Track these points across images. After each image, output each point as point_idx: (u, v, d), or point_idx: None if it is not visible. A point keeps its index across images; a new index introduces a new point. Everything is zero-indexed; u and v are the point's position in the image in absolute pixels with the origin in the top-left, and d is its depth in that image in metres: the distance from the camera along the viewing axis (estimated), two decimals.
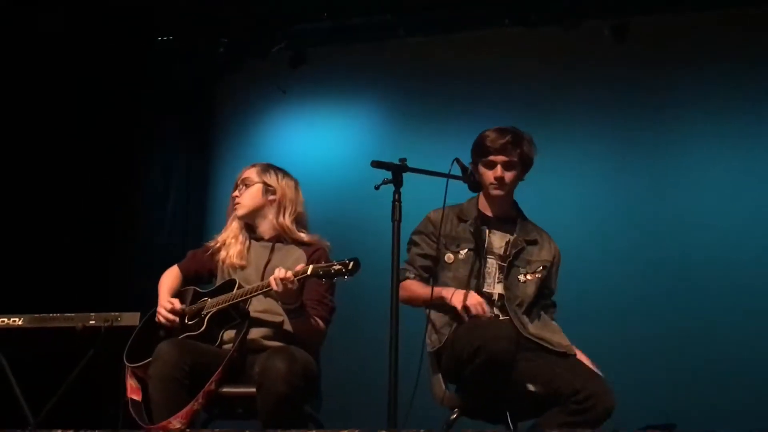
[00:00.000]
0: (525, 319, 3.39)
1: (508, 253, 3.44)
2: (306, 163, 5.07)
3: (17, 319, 4.25)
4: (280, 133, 6.50)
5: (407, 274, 3.43)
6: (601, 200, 5.74)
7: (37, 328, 4.23)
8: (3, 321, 4.24)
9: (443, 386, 3.34)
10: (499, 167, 3.43)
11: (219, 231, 3.70)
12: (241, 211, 3.60)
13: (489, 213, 3.53)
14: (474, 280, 3.39)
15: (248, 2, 5.86)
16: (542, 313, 3.48)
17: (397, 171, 3.05)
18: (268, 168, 3.66)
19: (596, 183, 5.80)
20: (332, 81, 6.36)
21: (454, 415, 3.29)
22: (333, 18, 5.89)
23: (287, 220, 3.56)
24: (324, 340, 3.44)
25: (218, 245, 3.59)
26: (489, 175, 3.43)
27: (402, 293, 3.20)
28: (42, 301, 4.45)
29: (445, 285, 3.41)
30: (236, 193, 3.62)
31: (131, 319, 4.15)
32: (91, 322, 4.20)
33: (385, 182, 3.06)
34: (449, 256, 3.45)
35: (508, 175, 3.44)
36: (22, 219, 5.29)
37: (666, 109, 5.73)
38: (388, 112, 6.31)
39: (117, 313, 4.20)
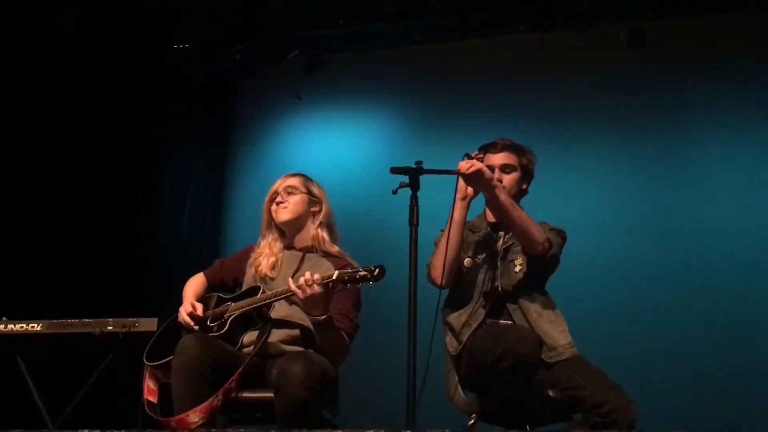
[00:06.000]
0: (526, 305, 3.40)
1: (500, 250, 3.48)
2: (321, 169, 5.06)
3: (36, 325, 4.28)
4: (296, 139, 6.51)
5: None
6: (616, 204, 5.72)
7: (55, 334, 4.26)
8: (22, 327, 4.28)
9: (460, 390, 3.36)
10: (496, 170, 3.48)
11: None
12: (285, 216, 3.58)
13: (494, 221, 3.57)
14: (490, 283, 3.43)
15: (263, 9, 5.88)
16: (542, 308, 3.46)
17: (414, 174, 3.05)
18: (309, 179, 3.69)
19: (611, 187, 5.78)
20: (347, 87, 6.38)
21: (472, 421, 3.30)
22: (348, 24, 5.91)
23: (324, 232, 3.60)
24: (347, 357, 3.41)
25: (258, 258, 3.59)
26: None
27: (432, 267, 3.39)
28: (59, 307, 4.48)
29: (463, 289, 3.45)
30: (279, 199, 3.59)
31: (149, 324, 4.18)
32: (109, 327, 4.22)
33: (402, 186, 3.07)
34: (468, 261, 3.48)
35: (507, 178, 3.49)
36: (41, 227, 5.33)
37: (681, 114, 5.72)
38: (404, 118, 6.32)
39: (134, 319, 4.23)
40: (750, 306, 5.26)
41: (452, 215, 3.38)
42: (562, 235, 3.52)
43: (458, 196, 3.38)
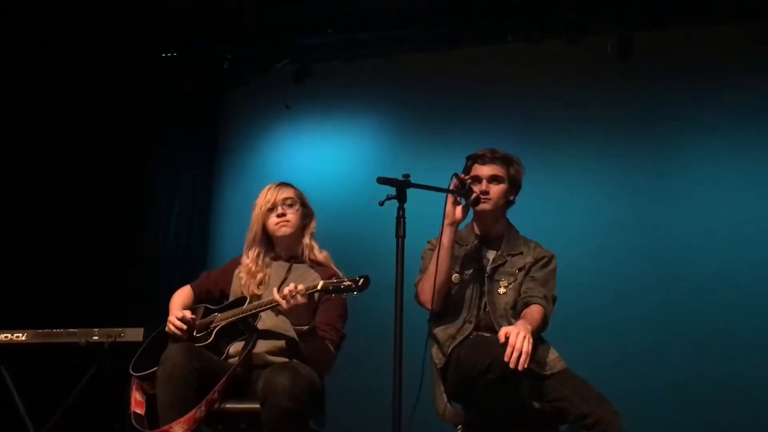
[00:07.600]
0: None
1: (488, 268, 3.47)
2: (309, 178, 5.06)
3: (21, 335, 4.25)
4: (284, 148, 6.50)
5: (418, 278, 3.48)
6: (606, 214, 5.72)
7: (40, 344, 4.24)
8: (6, 336, 4.25)
9: (446, 401, 3.35)
10: (484, 181, 3.47)
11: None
12: (288, 231, 3.55)
13: (482, 233, 3.56)
14: (477, 299, 3.43)
15: (252, 17, 5.87)
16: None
17: (401, 187, 3.04)
18: (298, 189, 3.66)
19: (599, 196, 5.78)
20: (336, 96, 6.37)
21: None
22: (337, 33, 5.90)
23: (314, 241, 3.61)
24: (333, 367, 3.40)
25: (245, 275, 3.56)
26: (475, 190, 3.45)
27: (420, 291, 3.37)
28: (44, 316, 4.45)
29: (452, 303, 3.44)
30: (281, 211, 3.55)
31: (134, 334, 4.16)
32: (95, 337, 4.20)
33: (389, 198, 3.05)
34: (455, 276, 3.47)
35: (494, 189, 3.48)
36: (27, 236, 5.30)
37: (670, 124, 5.72)
38: (392, 127, 6.31)
39: (120, 329, 4.21)
40: (741, 315, 5.25)
41: (440, 240, 3.35)
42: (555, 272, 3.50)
43: (446, 221, 3.37)
